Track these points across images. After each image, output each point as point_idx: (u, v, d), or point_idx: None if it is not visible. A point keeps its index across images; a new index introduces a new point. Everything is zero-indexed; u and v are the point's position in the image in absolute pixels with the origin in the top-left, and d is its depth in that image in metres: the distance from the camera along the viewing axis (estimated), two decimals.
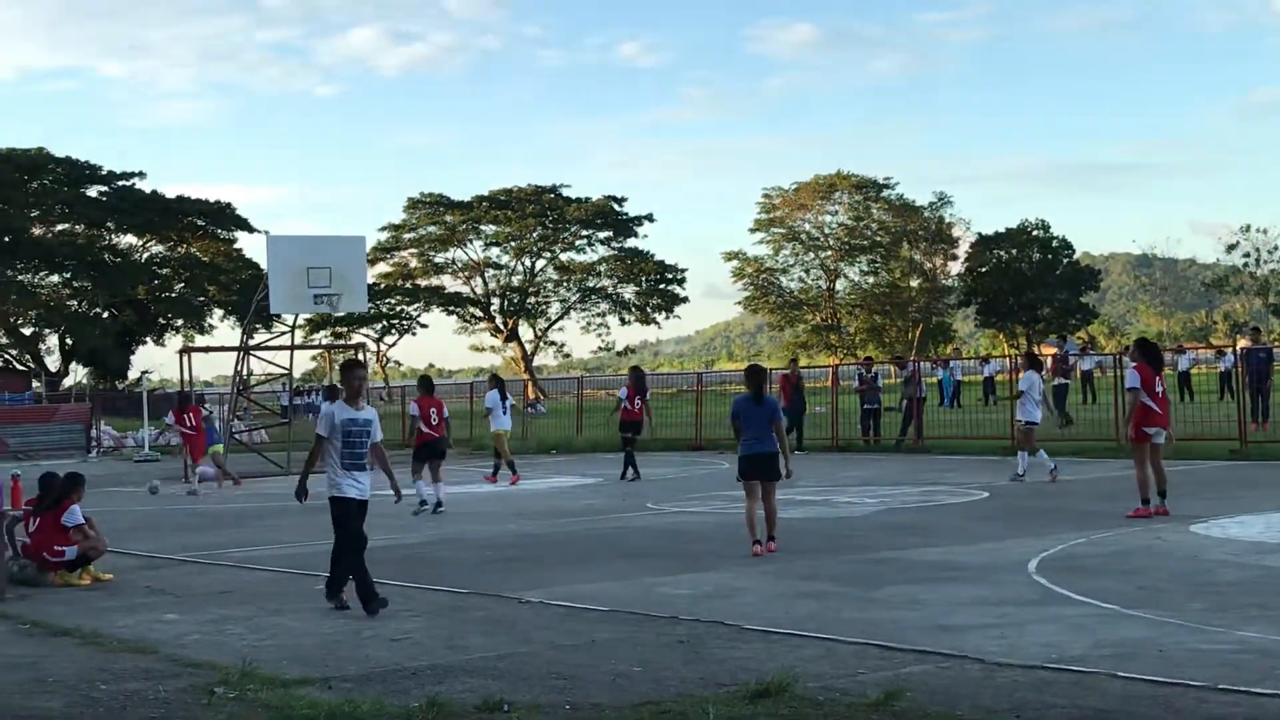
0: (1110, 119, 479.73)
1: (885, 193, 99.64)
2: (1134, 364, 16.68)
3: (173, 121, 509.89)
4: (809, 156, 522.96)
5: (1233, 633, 9.16)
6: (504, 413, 25.74)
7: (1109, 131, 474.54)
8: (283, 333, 44.63)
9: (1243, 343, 31.58)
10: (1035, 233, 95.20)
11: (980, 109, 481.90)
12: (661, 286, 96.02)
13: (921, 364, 35.81)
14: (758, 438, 14.04)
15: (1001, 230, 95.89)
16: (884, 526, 16.49)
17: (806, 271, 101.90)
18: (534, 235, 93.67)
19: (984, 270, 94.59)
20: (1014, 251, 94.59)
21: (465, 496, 23.08)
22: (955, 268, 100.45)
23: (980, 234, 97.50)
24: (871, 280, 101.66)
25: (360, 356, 39.19)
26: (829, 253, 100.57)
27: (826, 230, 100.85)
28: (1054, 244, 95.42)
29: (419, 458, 20.55)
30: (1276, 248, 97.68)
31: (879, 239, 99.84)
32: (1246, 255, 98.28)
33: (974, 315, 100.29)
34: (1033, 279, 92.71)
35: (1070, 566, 12.48)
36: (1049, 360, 32.92)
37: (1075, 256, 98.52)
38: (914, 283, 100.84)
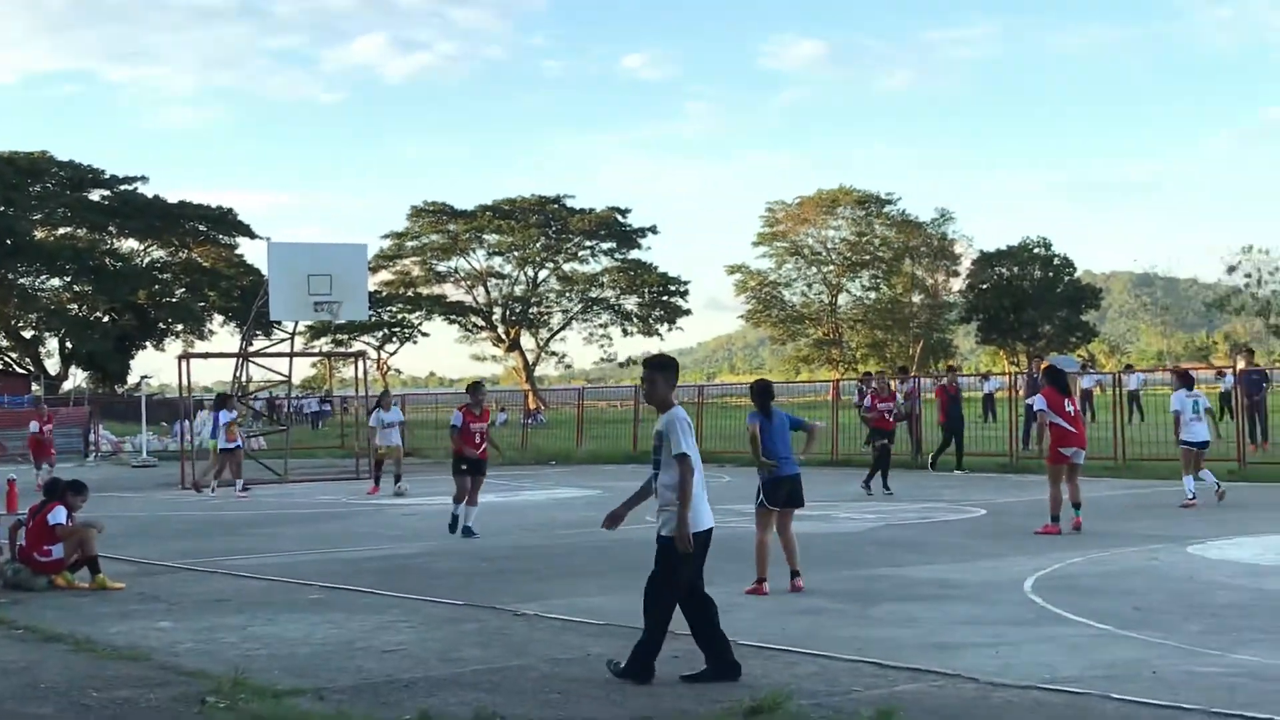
0: (1113, 138, 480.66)
1: (888, 208, 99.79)
2: (1041, 389, 17.47)
3: (177, 126, 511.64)
4: (814, 171, 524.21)
5: (1228, 655, 9.15)
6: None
7: (1112, 150, 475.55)
8: (283, 339, 44.69)
9: (1241, 364, 31.52)
10: (1037, 250, 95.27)
11: (985, 126, 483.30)
12: (664, 298, 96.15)
13: (921, 380, 35.73)
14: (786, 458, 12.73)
15: (1003, 247, 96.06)
16: (881, 543, 16.47)
17: (809, 286, 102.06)
18: (537, 245, 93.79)
19: (985, 287, 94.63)
20: (1015, 269, 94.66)
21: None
22: (957, 284, 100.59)
23: (982, 251, 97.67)
24: (873, 295, 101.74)
25: (364, 363, 39.16)
26: (831, 267, 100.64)
27: (829, 245, 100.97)
28: (1055, 262, 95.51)
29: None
30: (1277, 269, 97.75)
31: (881, 254, 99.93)
32: (1248, 276, 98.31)
33: (975, 332, 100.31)
34: (1034, 296, 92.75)
35: (1066, 586, 12.45)
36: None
37: (1076, 275, 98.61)
38: (916, 298, 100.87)
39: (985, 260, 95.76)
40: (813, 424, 13.45)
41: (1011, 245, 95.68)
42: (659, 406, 9.15)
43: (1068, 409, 17.16)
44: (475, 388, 19.50)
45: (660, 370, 9.25)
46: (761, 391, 12.98)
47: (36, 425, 32.37)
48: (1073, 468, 16.97)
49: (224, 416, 28.72)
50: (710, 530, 8.99)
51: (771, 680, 8.55)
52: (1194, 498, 19.59)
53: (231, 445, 28.34)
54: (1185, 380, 20.79)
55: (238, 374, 34.50)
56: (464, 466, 18.40)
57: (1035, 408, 17.47)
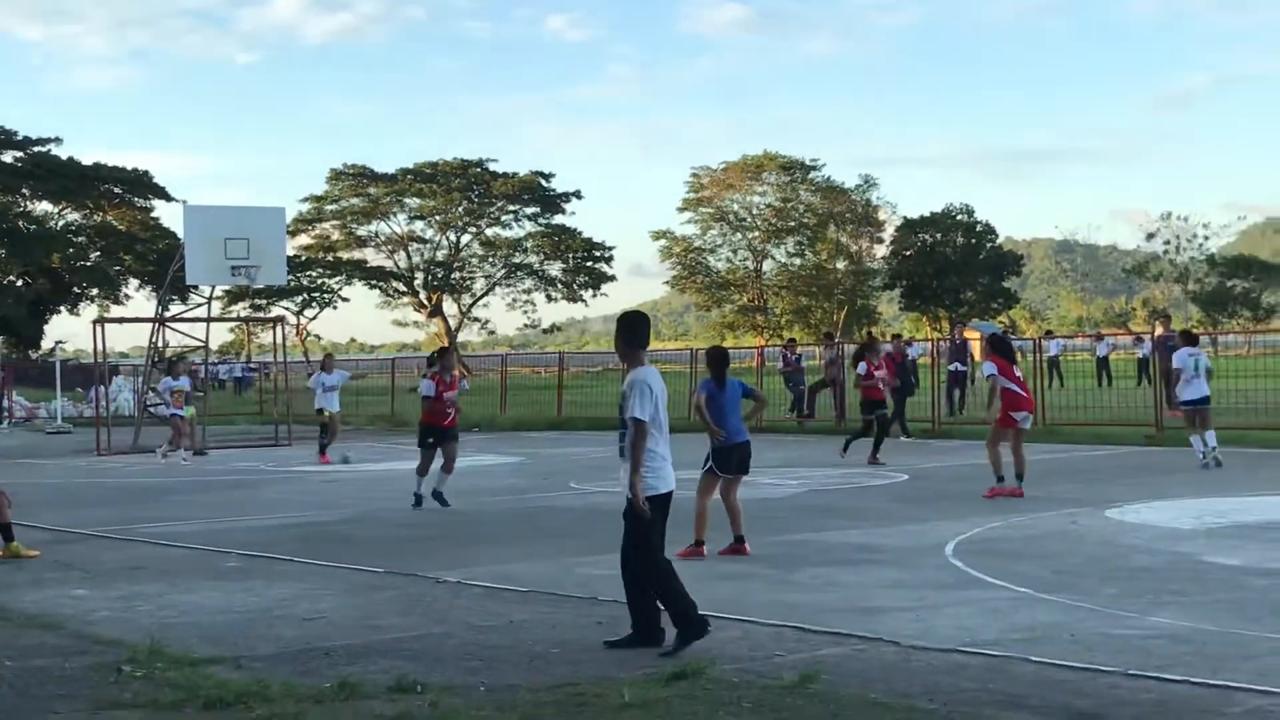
0: (1034, 105, 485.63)
1: (812, 174, 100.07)
2: (988, 357, 17.75)
3: (91, 87, 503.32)
4: (738, 136, 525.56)
5: (1144, 618, 9.25)
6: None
7: (1033, 117, 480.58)
8: (199, 304, 44.11)
9: (1159, 330, 31.97)
10: (959, 217, 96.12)
11: (908, 92, 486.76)
12: (589, 264, 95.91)
13: (845, 346, 35.92)
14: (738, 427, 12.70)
15: (926, 214, 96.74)
16: (805, 508, 16.53)
17: (734, 252, 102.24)
18: (459, 209, 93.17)
19: (908, 253, 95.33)
20: (938, 235, 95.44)
21: (383, 474, 22.92)
22: (880, 250, 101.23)
23: (905, 218, 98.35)
24: (798, 262, 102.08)
25: (282, 329, 38.76)
26: (756, 233, 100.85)
27: (754, 211, 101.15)
28: (978, 229, 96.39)
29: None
30: (1195, 235, 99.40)
31: (806, 220, 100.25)
32: (1167, 243, 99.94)
33: (898, 298, 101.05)
34: (956, 263, 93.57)
35: (987, 550, 12.57)
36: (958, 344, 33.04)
37: (998, 241, 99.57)
38: (840, 265, 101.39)
39: (908, 227, 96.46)
40: (760, 393, 13.49)
41: (935, 212, 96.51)
42: (628, 365, 8.93)
43: (1017, 374, 17.53)
44: (446, 353, 18.49)
45: (624, 329, 8.98)
46: (718, 359, 12.96)
47: None
48: (1018, 433, 17.24)
49: (169, 383, 27.61)
50: (670, 494, 8.85)
51: (695, 646, 8.53)
52: (1204, 456, 19.80)
53: (178, 412, 27.28)
54: (1189, 339, 21.06)
55: (154, 339, 34.05)
56: (430, 439, 17.48)
57: (986, 374, 17.82)
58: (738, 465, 12.72)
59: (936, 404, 29.69)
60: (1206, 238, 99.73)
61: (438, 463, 17.59)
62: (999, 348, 17.83)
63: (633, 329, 8.98)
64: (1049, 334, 51.85)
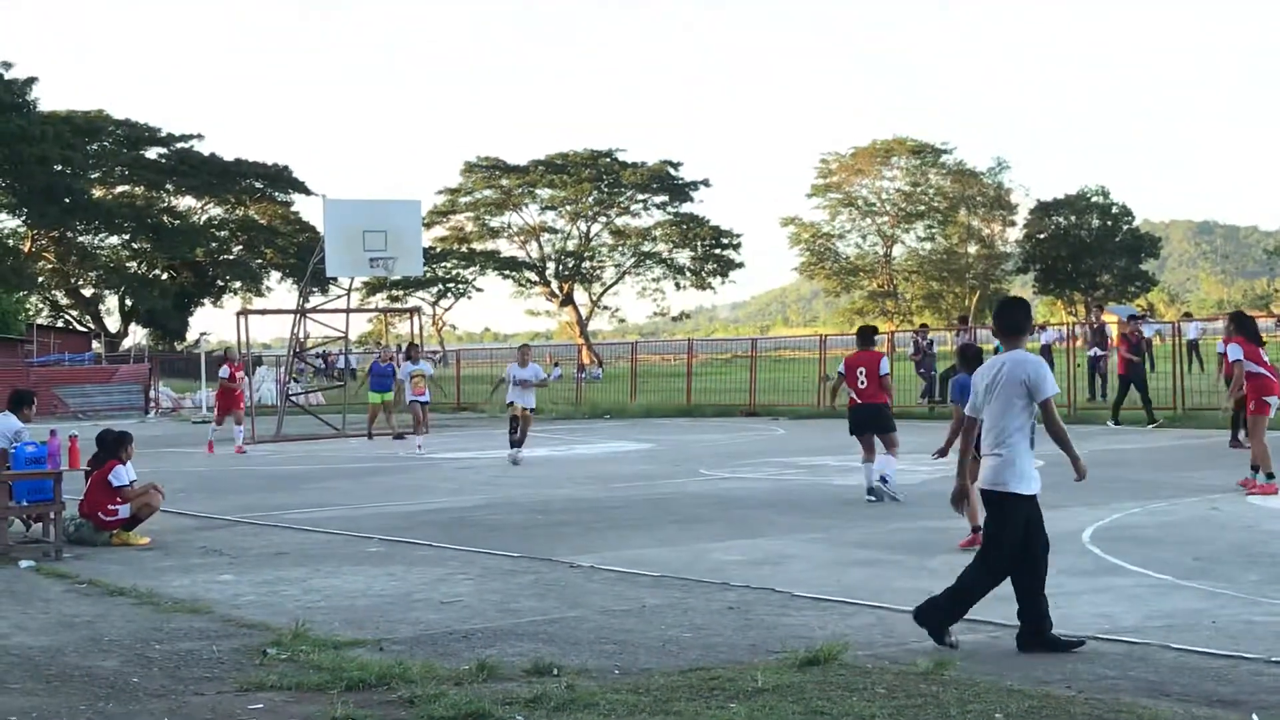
0: (1173, 83, 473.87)
1: (943, 158, 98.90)
2: (1232, 338, 16.24)
3: (234, 82, 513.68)
4: (867, 121, 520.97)
5: None
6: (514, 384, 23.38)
7: (1170, 97, 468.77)
8: (339, 295, 44.95)
9: None
10: (1095, 199, 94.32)
11: (1041, 72, 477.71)
12: (717, 251, 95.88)
13: (978, 330, 35.51)
14: None
15: (1061, 196, 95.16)
16: (938, 495, 16.34)
17: (863, 237, 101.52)
18: (589, 199, 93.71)
19: (1043, 237, 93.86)
20: (1073, 218, 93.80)
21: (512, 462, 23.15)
22: (1013, 234, 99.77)
23: (1039, 200, 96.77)
24: (928, 246, 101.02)
25: (418, 319, 39.36)
26: (886, 218, 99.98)
27: (884, 196, 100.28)
28: (1114, 210, 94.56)
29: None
30: None
31: (936, 204, 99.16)
32: None
33: (1032, 282, 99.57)
34: (1092, 246, 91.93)
35: (1125, 536, 12.37)
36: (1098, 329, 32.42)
37: (1135, 223, 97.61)
38: (971, 249, 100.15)
39: (1042, 209, 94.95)
40: None
41: (1069, 194, 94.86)
42: None
43: (1264, 356, 15.84)
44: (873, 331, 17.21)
45: (994, 316, 8.79)
46: (974, 358, 12.41)
47: (228, 371, 28.58)
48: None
49: (409, 368, 27.35)
50: (989, 493, 8.61)
51: (827, 631, 8.56)
52: None
53: (420, 399, 26.85)
54: None
55: (295, 330, 34.77)
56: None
57: (1230, 358, 16.10)
58: None
59: (1073, 388, 29.22)
60: None
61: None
62: (1245, 327, 16.06)
63: (998, 315, 8.79)
64: (1187, 316, 50.67)
